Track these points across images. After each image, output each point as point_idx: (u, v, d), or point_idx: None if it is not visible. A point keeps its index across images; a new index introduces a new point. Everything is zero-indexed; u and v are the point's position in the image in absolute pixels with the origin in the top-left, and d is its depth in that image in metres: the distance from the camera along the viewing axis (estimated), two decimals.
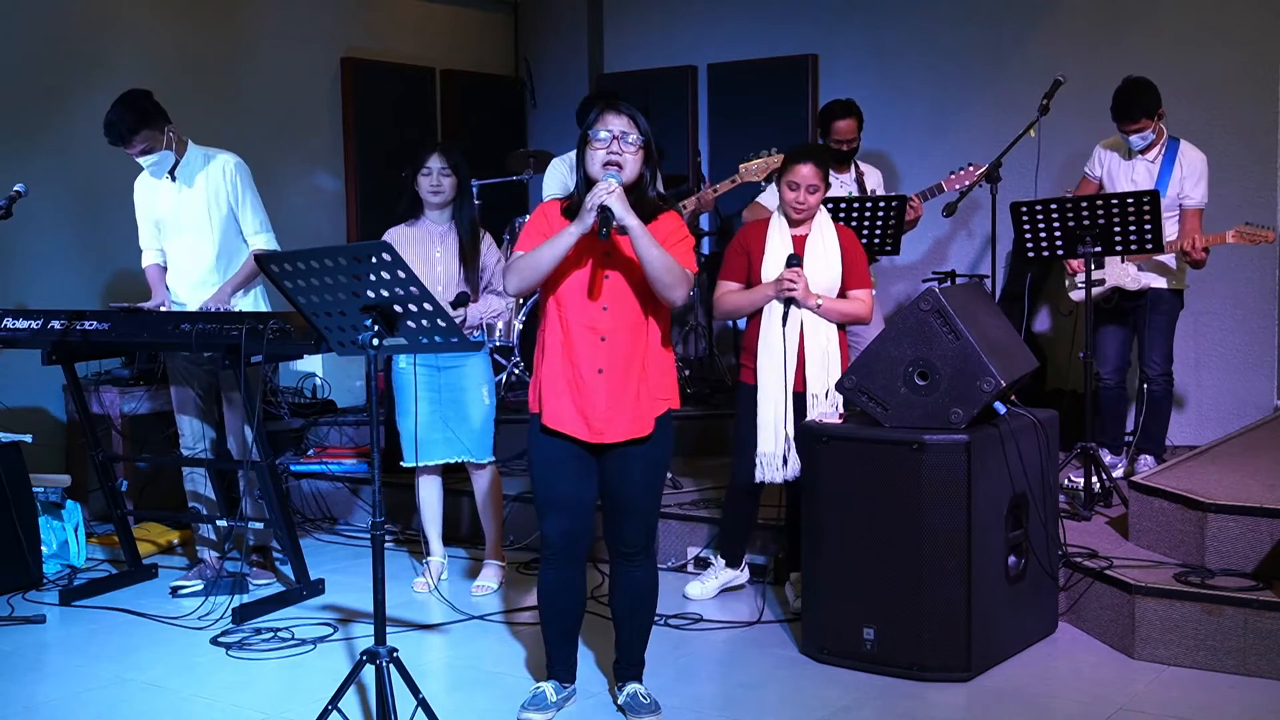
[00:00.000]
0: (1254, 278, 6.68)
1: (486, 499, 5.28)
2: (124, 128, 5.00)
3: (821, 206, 4.73)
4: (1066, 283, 5.92)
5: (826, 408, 4.57)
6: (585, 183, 3.68)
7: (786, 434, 4.61)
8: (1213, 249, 5.62)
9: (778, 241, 4.66)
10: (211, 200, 5.19)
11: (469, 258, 5.06)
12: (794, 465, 4.61)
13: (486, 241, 5.16)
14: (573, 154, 5.91)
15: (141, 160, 5.12)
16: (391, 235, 5.11)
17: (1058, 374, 6.91)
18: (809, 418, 4.56)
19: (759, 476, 4.68)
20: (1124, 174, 5.76)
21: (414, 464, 5.17)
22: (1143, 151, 5.69)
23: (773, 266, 4.62)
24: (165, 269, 5.33)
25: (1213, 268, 6.66)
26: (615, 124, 3.66)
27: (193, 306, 5.20)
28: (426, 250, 5.09)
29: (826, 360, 4.62)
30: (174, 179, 5.20)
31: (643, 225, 3.57)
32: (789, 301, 4.57)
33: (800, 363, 4.62)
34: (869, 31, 7.71)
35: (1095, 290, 5.66)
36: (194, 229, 5.20)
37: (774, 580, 5.16)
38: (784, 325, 4.56)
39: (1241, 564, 4.35)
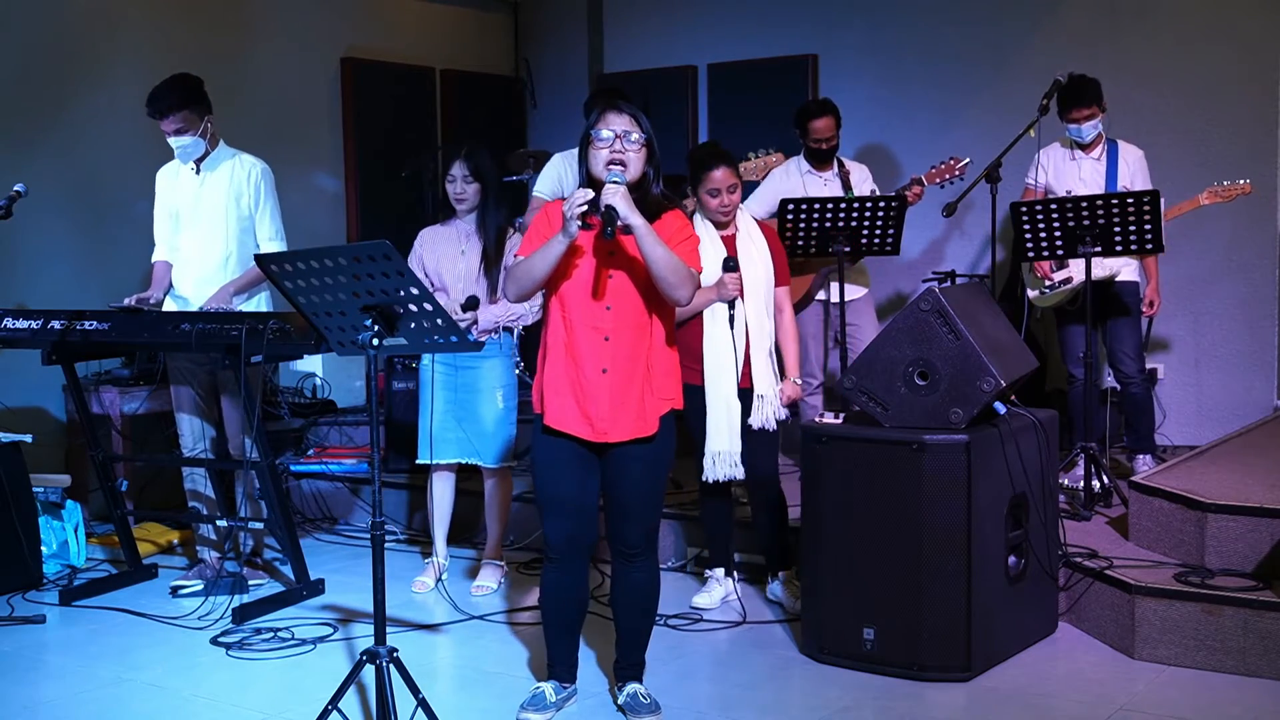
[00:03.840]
0: (1254, 278, 6.69)
1: (493, 501, 5.30)
2: (167, 102, 5.08)
3: (741, 206, 4.79)
4: (1031, 282, 5.92)
5: (770, 409, 4.65)
6: (589, 183, 3.68)
7: (737, 431, 4.63)
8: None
9: (710, 245, 4.65)
10: (232, 199, 5.23)
11: (490, 260, 5.09)
12: (739, 464, 4.65)
13: (513, 242, 5.15)
14: (571, 151, 5.93)
15: (173, 140, 5.16)
16: (425, 234, 5.28)
17: (1057, 374, 6.91)
18: (753, 420, 4.63)
19: (710, 475, 4.67)
20: (1071, 173, 5.81)
21: (428, 461, 5.19)
22: (1086, 149, 5.74)
23: (710, 271, 4.57)
24: (172, 266, 5.35)
25: (1213, 268, 6.69)
26: (617, 123, 3.66)
27: (195, 303, 5.21)
28: (453, 247, 5.17)
29: (769, 360, 4.69)
30: (198, 171, 5.24)
31: (648, 224, 3.57)
32: (731, 303, 4.57)
33: (746, 362, 4.65)
34: (869, 31, 7.71)
35: (1065, 289, 5.69)
36: (209, 223, 5.23)
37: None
38: (731, 326, 4.57)
39: (1241, 564, 4.35)
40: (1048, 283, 5.81)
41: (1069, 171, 5.82)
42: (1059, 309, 5.86)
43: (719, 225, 4.72)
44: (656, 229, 3.61)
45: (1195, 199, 5.66)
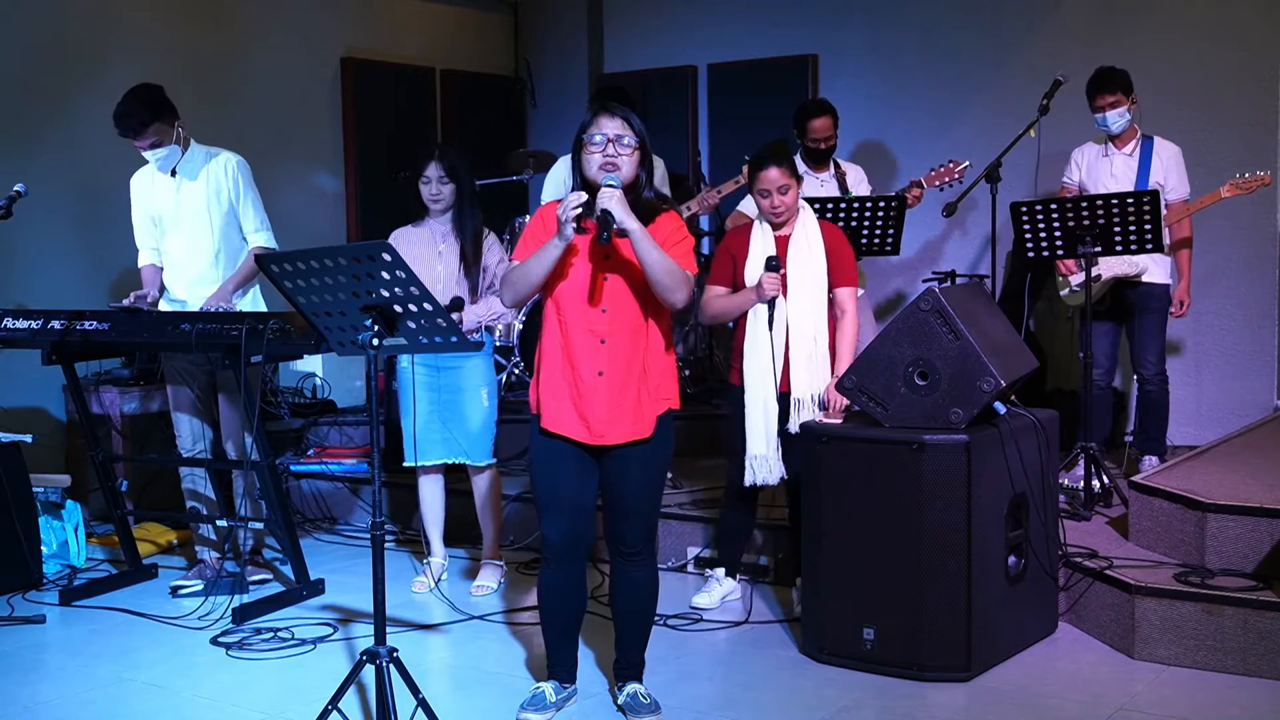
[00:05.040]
0: (1254, 278, 6.69)
1: (485, 500, 5.28)
2: (137, 120, 5.02)
3: (806, 205, 4.72)
4: (1059, 281, 5.92)
5: (808, 415, 4.55)
6: (582, 186, 3.68)
7: (774, 435, 4.59)
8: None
9: (760, 245, 4.64)
10: (212, 197, 5.20)
11: (469, 261, 5.09)
12: (779, 468, 4.60)
13: (489, 241, 5.18)
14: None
15: (149, 154, 5.13)
16: (396, 235, 5.20)
17: (1057, 374, 6.92)
18: (790, 424, 4.56)
19: (748, 479, 4.64)
20: (1104, 170, 5.80)
21: (413, 464, 5.18)
22: (1118, 143, 5.75)
23: (755, 270, 4.59)
24: (161, 269, 5.33)
25: (1213, 268, 6.69)
26: (609, 127, 3.66)
27: (192, 303, 5.21)
28: (428, 249, 5.13)
29: (811, 364, 4.59)
30: (174, 175, 5.21)
31: (643, 228, 3.57)
32: (771, 303, 4.54)
33: (785, 365, 4.59)
34: (869, 31, 7.72)
35: (1094, 286, 5.69)
36: (193, 225, 5.21)
37: (774, 580, 5.16)
38: (770, 328, 4.55)
39: (1241, 564, 4.35)
40: (1073, 279, 5.80)
41: (1101, 168, 5.81)
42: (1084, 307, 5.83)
43: (775, 226, 4.66)
44: (651, 232, 3.60)
45: (1216, 192, 5.63)
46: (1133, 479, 4.93)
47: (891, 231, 5.59)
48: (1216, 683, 4.06)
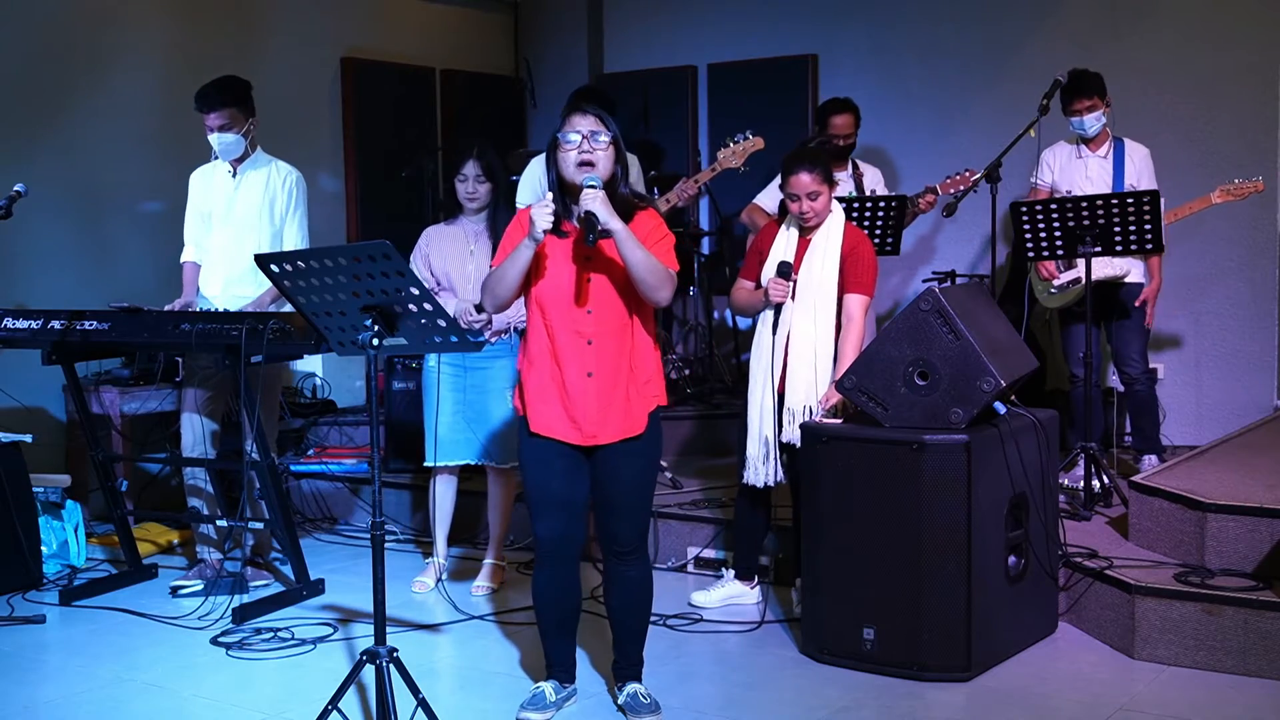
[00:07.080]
0: (1254, 278, 6.69)
1: (498, 501, 5.29)
2: (216, 98, 5.17)
3: (839, 209, 4.65)
4: (1038, 288, 5.91)
5: (796, 429, 4.49)
6: (558, 186, 3.68)
7: (768, 439, 4.59)
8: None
9: (781, 246, 4.63)
10: (266, 203, 5.29)
11: None
12: (775, 471, 4.59)
13: None
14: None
15: (216, 137, 5.22)
16: (429, 233, 5.24)
17: (1057, 374, 6.91)
18: (784, 434, 4.54)
19: (746, 478, 4.67)
20: (1078, 172, 5.81)
21: (435, 464, 5.18)
22: (1092, 145, 5.75)
23: (770, 272, 4.59)
24: (200, 267, 5.38)
25: (1213, 268, 6.70)
26: (583, 124, 3.66)
27: (222, 303, 5.23)
28: (460, 248, 5.15)
29: (809, 375, 4.54)
30: (234, 173, 5.29)
31: (627, 228, 3.56)
32: (779, 308, 4.53)
33: (784, 371, 4.59)
34: (869, 31, 7.71)
35: (1076, 289, 5.68)
36: (243, 225, 5.28)
37: (774, 580, 5.16)
38: (774, 333, 4.54)
39: (1241, 564, 4.35)
40: (1055, 284, 5.80)
41: (1075, 170, 5.81)
42: (1065, 309, 5.85)
43: (803, 230, 4.62)
44: (631, 229, 3.60)
45: (1207, 197, 5.63)
46: (1133, 479, 4.93)
47: (891, 232, 5.59)
48: (1216, 683, 4.06)
